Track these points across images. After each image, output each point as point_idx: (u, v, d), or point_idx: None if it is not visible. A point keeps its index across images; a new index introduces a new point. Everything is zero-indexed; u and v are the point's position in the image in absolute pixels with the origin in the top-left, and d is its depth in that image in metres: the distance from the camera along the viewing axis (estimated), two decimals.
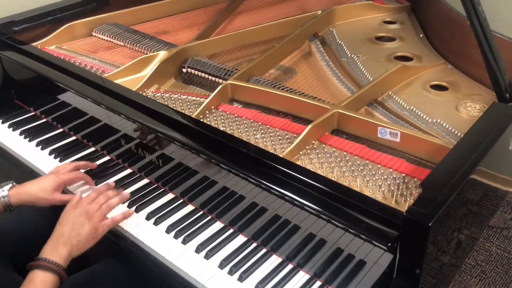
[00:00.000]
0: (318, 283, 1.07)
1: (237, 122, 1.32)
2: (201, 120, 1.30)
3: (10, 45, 1.63)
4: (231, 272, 1.10)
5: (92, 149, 1.52)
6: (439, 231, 0.94)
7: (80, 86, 1.43)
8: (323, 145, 1.23)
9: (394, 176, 1.11)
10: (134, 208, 1.28)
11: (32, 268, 1.05)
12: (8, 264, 1.31)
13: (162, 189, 1.34)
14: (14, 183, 1.26)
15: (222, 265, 1.11)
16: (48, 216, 1.42)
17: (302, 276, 1.09)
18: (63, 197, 1.26)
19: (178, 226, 1.22)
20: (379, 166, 1.15)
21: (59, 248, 1.08)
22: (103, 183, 1.37)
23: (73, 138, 1.57)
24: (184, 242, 1.18)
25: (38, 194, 1.25)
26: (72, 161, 1.43)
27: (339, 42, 1.68)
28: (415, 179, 1.11)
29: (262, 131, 1.28)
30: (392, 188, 1.08)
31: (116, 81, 1.44)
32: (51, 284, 1.04)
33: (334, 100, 1.39)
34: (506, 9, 2.07)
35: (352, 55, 1.60)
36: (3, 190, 1.24)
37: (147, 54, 1.61)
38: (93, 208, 1.17)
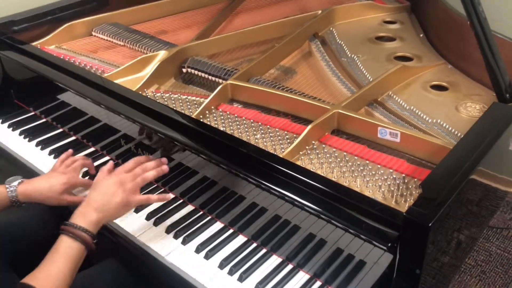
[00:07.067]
0: (318, 283, 1.07)
1: (237, 122, 1.32)
2: (201, 120, 1.30)
3: (10, 45, 1.63)
4: (231, 272, 1.10)
5: (92, 149, 1.52)
6: (439, 231, 0.94)
7: (80, 86, 1.43)
8: (323, 145, 1.23)
9: (394, 176, 1.11)
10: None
11: (62, 232, 1.04)
12: (8, 265, 1.30)
13: (162, 189, 1.33)
14: (23, 179, 1.26)
15: (222, 265, 1.11)
16: (46, 217, 1.42)
17: (302, 276, 1.09)
18: (74, 199, 1.27)
19: (178, 226, 1.22)
20: (379, 166, 1.15)
21: (89, 212, 1.07)
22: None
23: (73, 138, 1.57)
24: (184, 242, 1.18)
25: (47, 194, 1.24)
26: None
27: (339, 42, 1.68)
28: (415, 180, 1.11)
29: (262, 131, 1.28)
30: (392, 189, 1.08)
31: (116, 81, 1.44)
32: (77, 252, 1.02)
33: (334, 100, 1.39)
34: (506, 9, 2.07)
35: (352, 55, 1.60)
36: (11, 187, 1.23)
37: (147, 54, 1.61)
38: (128, 178, 1.14)
